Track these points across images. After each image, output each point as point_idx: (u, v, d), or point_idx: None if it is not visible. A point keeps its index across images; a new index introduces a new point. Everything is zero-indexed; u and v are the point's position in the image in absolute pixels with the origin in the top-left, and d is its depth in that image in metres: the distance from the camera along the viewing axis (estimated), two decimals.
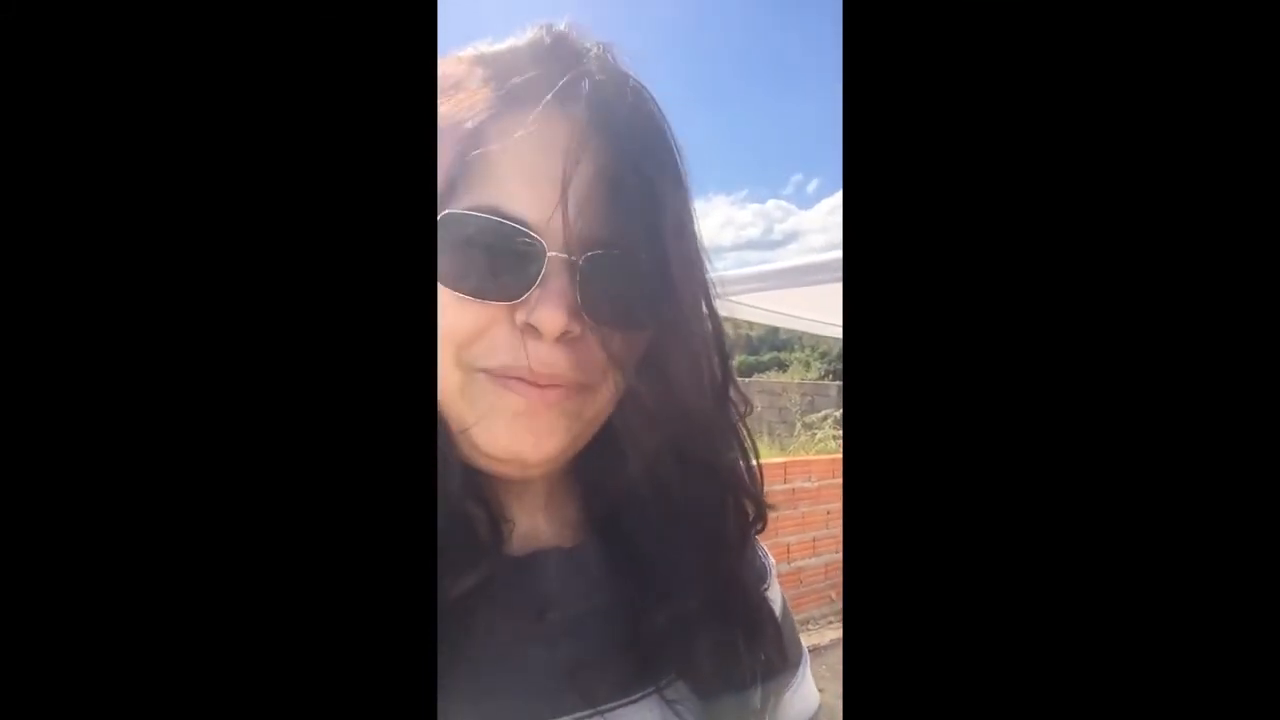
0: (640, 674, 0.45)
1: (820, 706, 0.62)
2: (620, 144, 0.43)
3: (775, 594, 0.59)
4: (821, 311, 3.90)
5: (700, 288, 0.47)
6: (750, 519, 0.53)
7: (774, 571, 0.60)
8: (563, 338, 0.42)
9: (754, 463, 0.53)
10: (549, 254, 0.41)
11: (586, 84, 0.43)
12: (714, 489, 0.49)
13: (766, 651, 0.51)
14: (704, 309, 0.48)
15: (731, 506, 0.51)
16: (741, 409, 0.52)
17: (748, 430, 0.52)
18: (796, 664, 0.59)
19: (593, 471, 0.49)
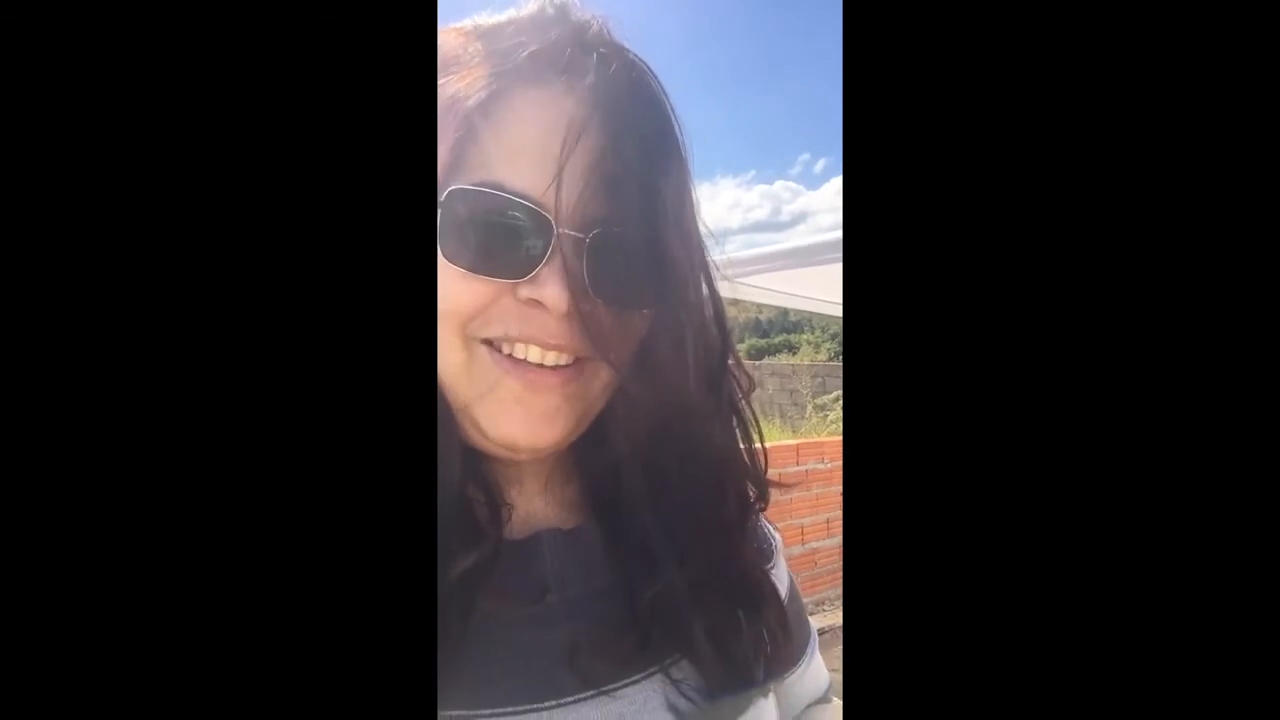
0: (643, 653, 0.45)
1: (830, 685, 0.62)
2: (623, 120, 0.43)
3: (781, 574, 0.59)
4: (830, 291, 3.88)
5: (701, 266, 0.47)
6: (751, 499, 0.53)
7: (780, 552, 0.60)
8: (568, 314, 0.41)
9: (756, 442, 0.52)
10: (557, 230, 0.41)
11: (595, 58, 0.43)
12: (713, 469, 0.49)
13: (770, 630, 0.51)
14: (704, 288, 0.48)
15: (731, 486, 0.51)
16: (744, 385, 0.51)
17: (751, 410, 0.52)
18: (804, 644, 0.59)
19: (591, 453, 0.49)
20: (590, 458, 0.49)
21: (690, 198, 0.46)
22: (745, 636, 0.48)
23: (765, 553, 0.57)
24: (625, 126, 0.42)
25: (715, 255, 0.49)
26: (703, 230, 0.48)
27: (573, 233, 0.41)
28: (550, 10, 0.45)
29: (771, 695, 0.51)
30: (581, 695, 0.43)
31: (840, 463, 4.94)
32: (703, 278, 0.47)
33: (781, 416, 8.43)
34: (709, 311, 0.48)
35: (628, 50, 0.45)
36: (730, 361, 0.50)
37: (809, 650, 0.60)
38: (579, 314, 0.41)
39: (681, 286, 0.44)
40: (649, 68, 0.45)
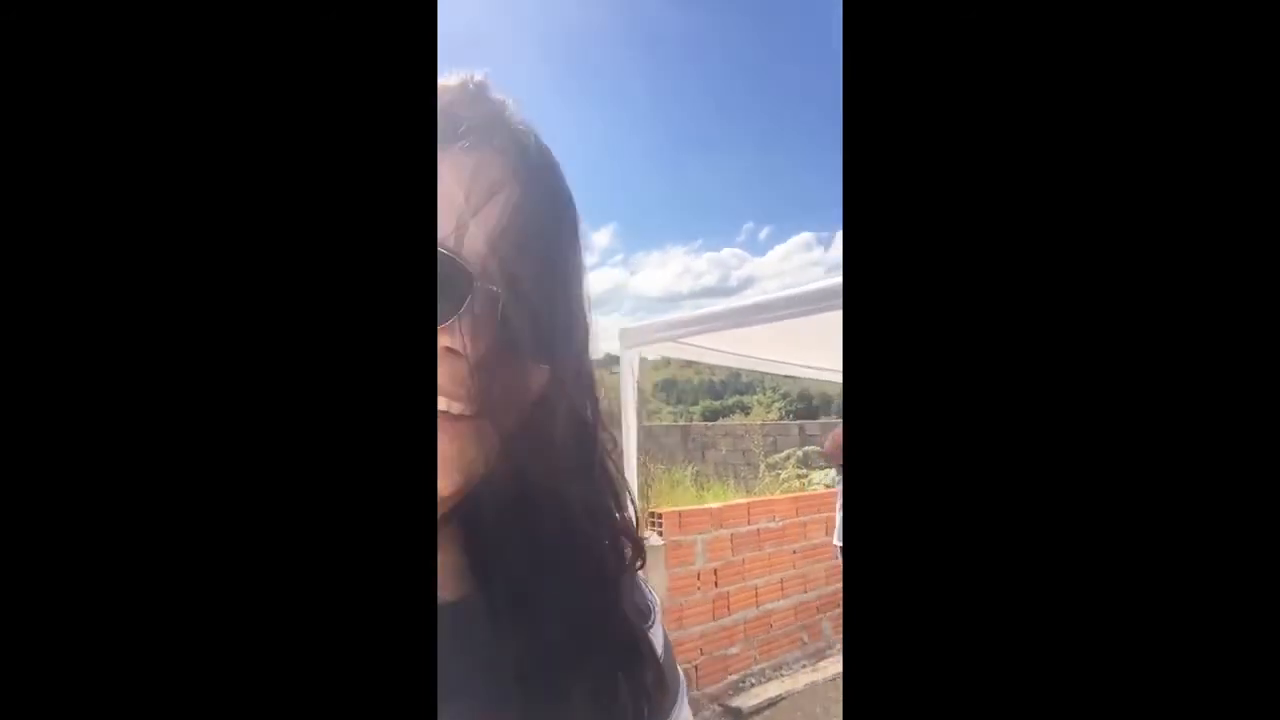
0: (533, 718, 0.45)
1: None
2: (538, 191, 0.46)
3: (658, 633, 0.60)
4: (780, 351, 3.96)
5: (585, 334, 0.50)
6: (628, 559, 0.54)
7: (658, 612, 0.61)
8: (477, 366, 0.42)
9: (627, 502, 0.54)
10: (475, 283, 0.42)
11: (510, 132, 0.46)
12: (595, 530, 0.51)
13: (648, 690, 0.52)
14: (586, 355, 0.51)
15: (610, 547, 0.53)
16: (610, 447, 0.53)
17: (618, 470, 0.54)
18: (676, 693, 0.60)
19: (472, 517, 0.49)
20: (471, 522, 0.50)
21: (582, 271, 0.50)
22: (625, 699, 0.50)
23: (644, 613, 0.58)
24: (539, 197, 0.46)
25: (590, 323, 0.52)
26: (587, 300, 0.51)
27: (490, 286, 0.43)
28: (471, 86, 0.48)
29: None
30: None
31: (790, 520, 4.96)
32: (586, 344, 0.51)
33: (735, 477, 8.44)
34: (590, 375, 0.51)
35: (537, 133, 0.49)
36: (600, 427, 0.52)
37: (680, 699, 0.61)
38: (486, 367, 0.42)
39: (575, 352, 0.48)
40: (552, 154, 0.49)
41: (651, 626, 0.58)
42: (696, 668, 4.28)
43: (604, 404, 0.53)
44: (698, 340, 3.41)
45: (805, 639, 4.99)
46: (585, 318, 0.50)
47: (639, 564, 0.55)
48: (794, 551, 4.98)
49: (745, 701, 4.24)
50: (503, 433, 0.45)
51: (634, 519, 0.54)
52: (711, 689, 4.33)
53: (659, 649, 0.57)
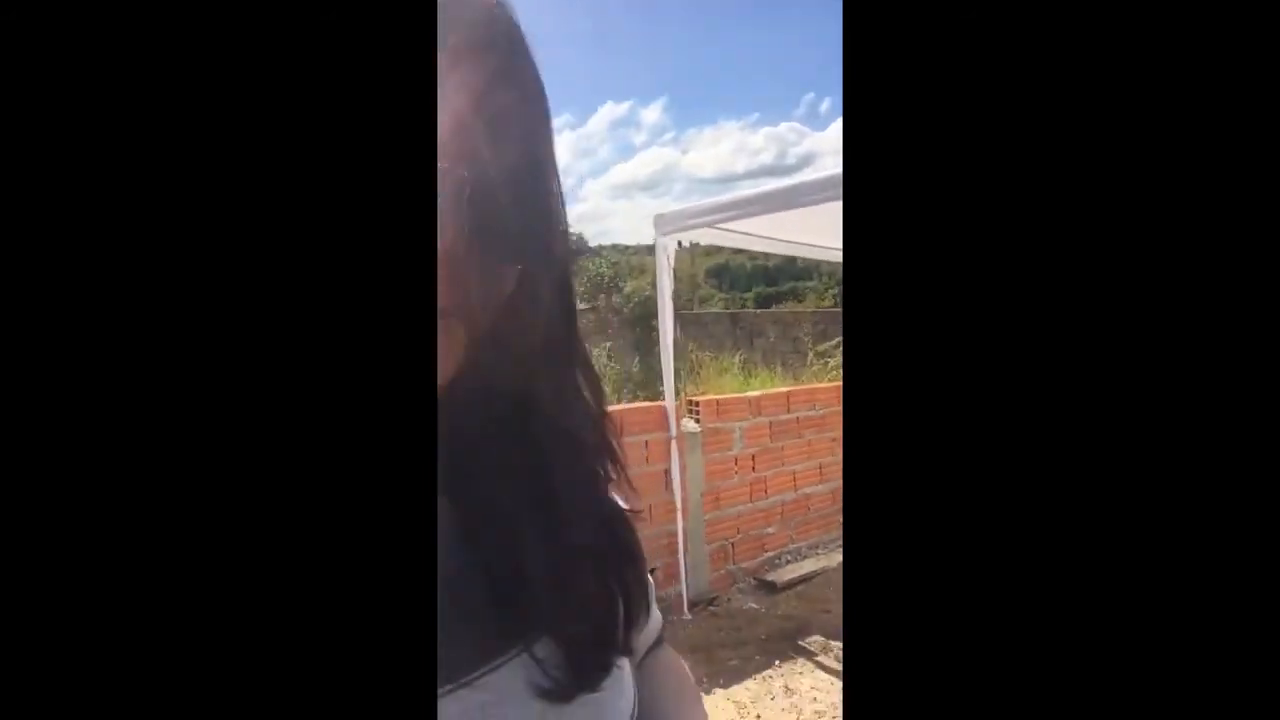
0: (506, 637, 0.44)
1: (662, 627, 0.64)
2: (504, 67, 0.41)
3: (633, 527, 0.59)
4: (829, 237, 3.83)
5: (559, 230, 0.46)
6: (612, 459, 0.53)
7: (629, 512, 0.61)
8: (445, 257, 0.38)
9: (605, 402, 0.52)
10: (439, 165, 0.37)
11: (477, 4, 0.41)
12: (572, 432, 0.48)
13: (628, 592, 0.51)
14: (562, 252, 0.46)
15: (594, 445, 0.50)
16: (582, 351, 0.50)
17: (592, 369, 0.51)
18: (649, 595, 0.59)
19: (446, 419, 0.45)
20: (445, 424, 0.45)
21: (555, 164, 0.45)
22: (608, 603, 0.48)
23: (621, 513, 0.56)
24: (508, 76, 0.41)
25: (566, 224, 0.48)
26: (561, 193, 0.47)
27: (456, 170, 0.38)
28: None
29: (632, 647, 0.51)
30: (440, 691, 0.40)
31: (831, 409, 5.00)
32: (561, 240, 0.46)
33: (783, 365, 8.47)
34: (565, 273, 0.47)
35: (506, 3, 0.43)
36: (575, 327, 0.49)
37: (652, 599, 0.60)
38: (452, 259, 0.38)
39: (547, 247, 0.44)
40: (521, 31, 0.44)
41: (629, 522, 0.57)
42: (733, 545, 4.48)
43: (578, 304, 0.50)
44: (741, 225, 3.27)
45: (840, 521, 5.15)
46: (560, 212, 0.46)
47: (616, 467, 0.53)
48: (834, 439, 5.05)
49: (780, 576, 4.46)
50: (471, 332, 0.42)
51: (616, 419, 0.52)
52: (747, 564, 4.55)
53: (634, 543, 0.56)
